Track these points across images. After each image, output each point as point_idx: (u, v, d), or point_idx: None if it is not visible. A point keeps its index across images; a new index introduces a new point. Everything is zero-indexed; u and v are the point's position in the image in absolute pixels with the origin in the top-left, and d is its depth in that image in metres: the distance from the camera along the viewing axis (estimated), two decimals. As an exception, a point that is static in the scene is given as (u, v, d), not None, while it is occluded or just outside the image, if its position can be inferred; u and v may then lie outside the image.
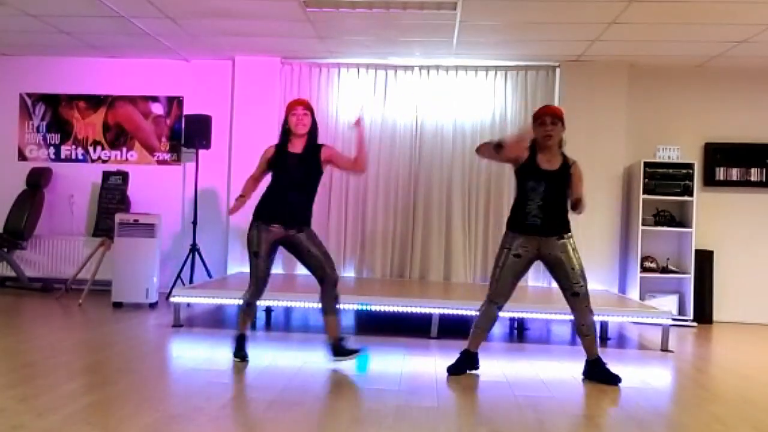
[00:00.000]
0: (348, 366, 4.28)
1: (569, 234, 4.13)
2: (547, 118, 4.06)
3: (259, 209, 4.29)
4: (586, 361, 4.21)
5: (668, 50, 6.53)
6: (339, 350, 4.29)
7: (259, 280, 4.29)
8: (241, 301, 4.44)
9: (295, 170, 4.23)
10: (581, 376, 4.21)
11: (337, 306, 4.31)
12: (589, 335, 4.14)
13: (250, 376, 3.99)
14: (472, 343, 4.26)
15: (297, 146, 4.28)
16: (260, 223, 4.25)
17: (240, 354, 4.32)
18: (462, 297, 5.80)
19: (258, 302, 4.43)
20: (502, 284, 4.14)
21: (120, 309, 6.27)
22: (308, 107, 4.31)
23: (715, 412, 3.55)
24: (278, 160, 4.27)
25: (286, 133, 4.31)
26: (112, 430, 2.89)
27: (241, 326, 4.41)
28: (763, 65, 6.88)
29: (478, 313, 4.27)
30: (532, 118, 4.18)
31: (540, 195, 4.05)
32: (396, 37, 6.40)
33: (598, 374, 4.13)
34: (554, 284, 4.30)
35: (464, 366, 4.22)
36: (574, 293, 4.09)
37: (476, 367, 4.26)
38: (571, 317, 4.23)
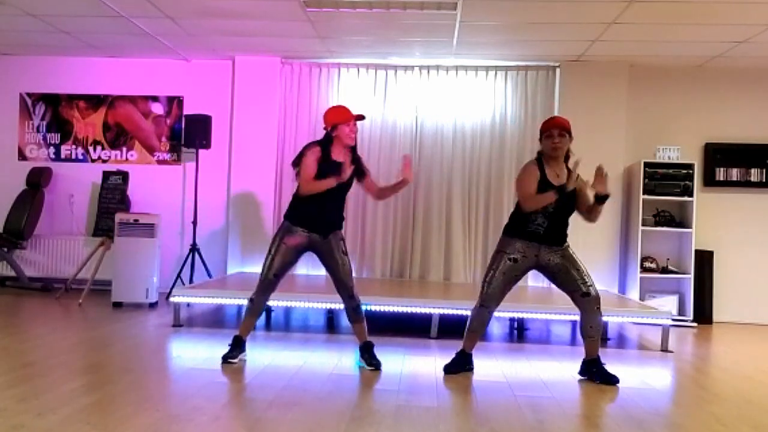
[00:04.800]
0: (348, 366, 4.29)
1: (566, 243, 4.15)
2: (555, 131, 4.03)
3: (290, 214, 4.26)
4: (584, 361, 4.21)
5: (668, 50, 6.53)
6: (364, 355, 4.30)
7: (265, 279, 4.24)
8: (246, 302, 4.42)
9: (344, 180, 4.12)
10: (578, 375, 4.21)
11: (359, 315, 4.32)
12: (594, 337, 4.14)
13: (250, 376, 3.99)
14: (467, 344, 4.28)
15: (340, 156, 4.18)
16: (288, 226, 4.23)
17: (227, 357, 4.24)
18: (462, 297, 5.80)
19: (262, 303, 4.33)
20: (495, 288, 4.13)
21: (120, 309, 6.27)
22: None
23: (715, 413, 3.55)
24: (323, 166, 4.14)
25: (330, 140, 4.18)
26: (112, 430, 2.89)
27: (242, 326, 4.36)
28: (763, 65, 6.88)
29: (469, 317, 4.28)
30: (540, 130, 4.14)
31: (550, 209, 4.03)
32: (396, 37, 6.40)
33: (595, 374, 4.13)
34: (555, 284, 4.27)
35: (460, 366, 4.23)
36: (585, 293, 4.07)
37: (471, 368, 4.28)
38: (572, 317, 4.23)
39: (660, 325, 5.38)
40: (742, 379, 4.44)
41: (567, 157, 4.12)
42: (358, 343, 4.37)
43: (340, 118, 4.17)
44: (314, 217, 4.19)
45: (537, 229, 4.05)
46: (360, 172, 4.25)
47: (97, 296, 6.75)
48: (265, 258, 4.27)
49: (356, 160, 4.25)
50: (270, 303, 5.38)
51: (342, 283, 4.25)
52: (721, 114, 7.08)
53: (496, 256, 4.17)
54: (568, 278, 4.09)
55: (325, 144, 4.18)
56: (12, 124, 7.70)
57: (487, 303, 4.17)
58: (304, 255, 4.35)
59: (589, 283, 4.09)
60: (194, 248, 6.97)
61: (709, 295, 6.87)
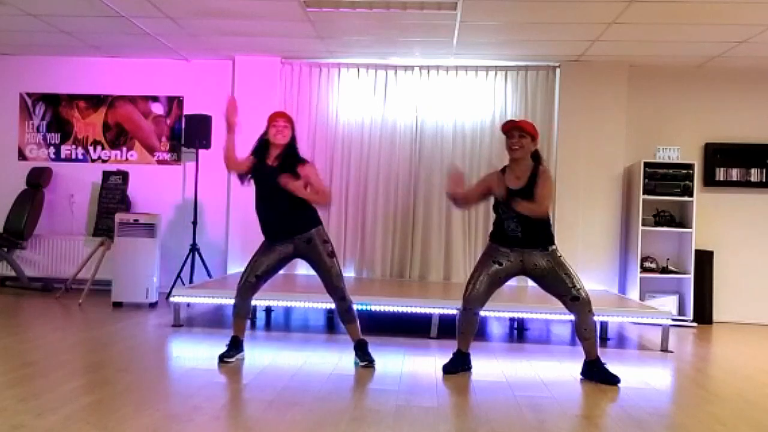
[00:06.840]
0: (348, 366, 4.29)
1: (553, 246, 4.14)
2: (514, 132, 4.07)
3: (261, 227, 4.33)
4: (585, 361, 4.21)
5: (668, 50, 6.53)
6: (358, 352, 4.34)
7: (245, 282, 4.28)
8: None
9: (271, 182, 4.17)
10: (579, 376, 4.21)
11: (351, 315, 4.34)
12: (590, 338, 4.14)
13: (249, 376, 3.99)
14: (461, 345, 4.29)
15: (272, 158, 4.28)
16: (265, 239, 4.32)
17: (224, 357, 4.26)
18: (462, 297, 5.79)
19: (245, 305, 4.34)
20: (479, 290, 4.15)
21: (120, 309, 6.27)
22: (289, 120, 4.30)
23: (715, 413, 3.55)
24: (256, 173, 4.29)
25: (264, 145, 4.29)
26: (112, 430, 2.89)
27: (234, 328, 4.39)
28: (763, 65, 6.87)
29: (457, 320, 4.28)
30: (502, 131, 4.19)
31: (513, 214, 4.04)
32: (396, 37, 6.40)
33: (596, 374, 4.13)
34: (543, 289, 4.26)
35: (459, 365, 4.24)
36: (574, 297, 4.08)
37: (470, 367, 4.28)
38: (572, 318, 4.23)
39: (660, 325, 5.38)
40: (742, 379, 4.44)
41: (538, 159, 4.13)
42: (351, 342, 4.39)
43: (267, 121, 4.31)
44: (265, 226, 4.27)
45: (514, 234, 4.08)
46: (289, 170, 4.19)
47: (97, 296, 6.75)
48: (249, 260, 4.31)
49: (288, 158, 4.26)
50: (270, 303, 5.39)
51: (333, 287, 4.27)
52: (721, 114, 7.08)
53: (482, 258, 4.24)
54: (557, 282, 4.10)
55: (260, 149, 4.32)
56: (12, 124, 7.70)
57: (471, 305, 4.19)
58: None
59: (578, 287, 4.09)
60: (194, 248, 6.97)
61: (709, 295, 6.86)
